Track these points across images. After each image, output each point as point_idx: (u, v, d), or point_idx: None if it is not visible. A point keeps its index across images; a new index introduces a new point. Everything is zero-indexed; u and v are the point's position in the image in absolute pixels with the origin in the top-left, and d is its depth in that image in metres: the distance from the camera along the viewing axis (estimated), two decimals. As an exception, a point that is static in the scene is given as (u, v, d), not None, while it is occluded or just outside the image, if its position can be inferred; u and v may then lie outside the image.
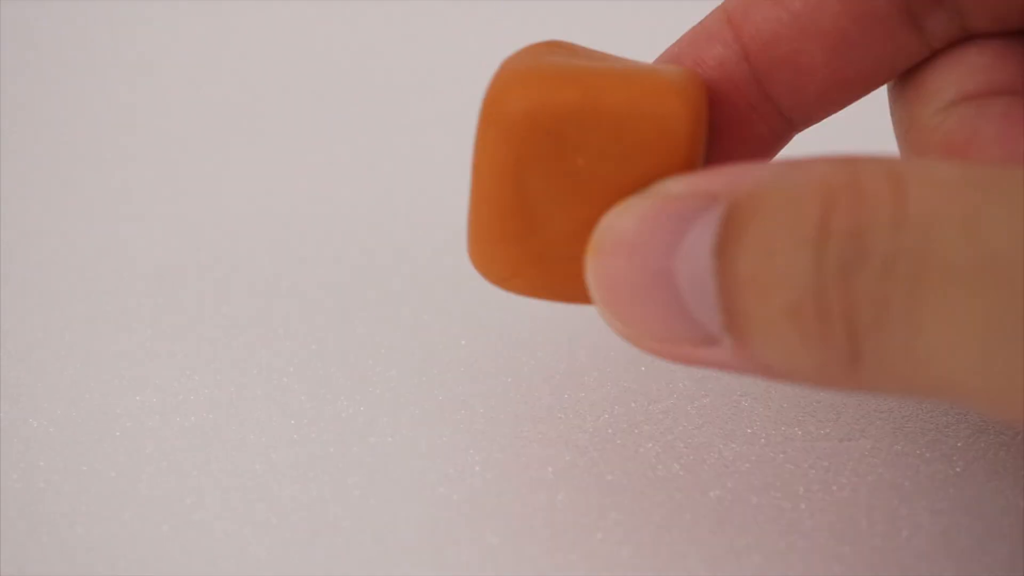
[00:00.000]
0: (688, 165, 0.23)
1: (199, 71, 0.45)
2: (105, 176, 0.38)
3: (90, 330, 0.31)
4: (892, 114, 0.26)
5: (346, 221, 0.36)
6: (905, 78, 0.26)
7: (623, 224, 0.22)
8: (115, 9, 0.47)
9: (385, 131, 0.41)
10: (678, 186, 0.22)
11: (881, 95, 0.27)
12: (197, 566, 0.24)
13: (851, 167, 0.20)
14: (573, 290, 0.24)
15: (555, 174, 0.23)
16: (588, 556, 0.24)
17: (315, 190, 0.37)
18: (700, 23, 0.26)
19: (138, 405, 0.28)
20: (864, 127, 0.34)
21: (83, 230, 0.35)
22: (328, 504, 0.25)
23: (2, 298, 0.32)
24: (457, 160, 0.39)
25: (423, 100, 0.43)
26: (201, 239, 0.35)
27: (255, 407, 0.28)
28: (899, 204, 0.19)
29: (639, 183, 0.23)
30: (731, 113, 0.25)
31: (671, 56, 0.26)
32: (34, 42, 0.46)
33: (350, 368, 0.29)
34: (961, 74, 0.25)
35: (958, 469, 0.26)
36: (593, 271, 0.23)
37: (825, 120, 0.26)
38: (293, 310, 0.31)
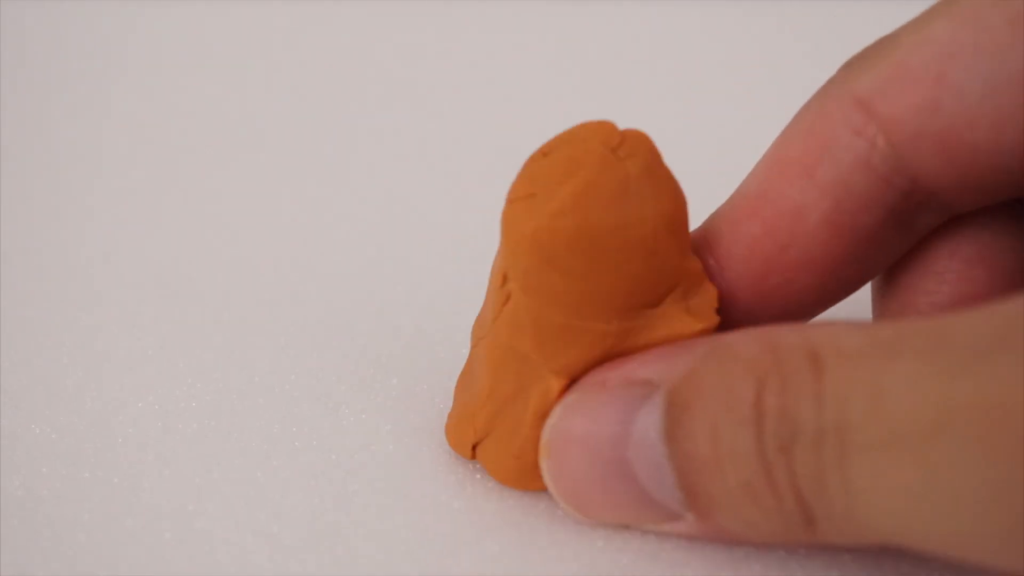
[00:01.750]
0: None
1: (205, 76, 0.45)
2: (107, 183, 0.38)
3: (92, 337, 0.31)
4: (874, 304, 0.27)
5: (348, 229, 0.36)
6: (889, 274, 0.26)
7: (570, 423, 0.23)
8: (119, 12, 0.48)
9: (388, 140, 0.41)
10: (613, 377, 0.23)
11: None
12: (199, 574, 0.24)
13: (774, 346, 0.21)
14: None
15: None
16: (589, 564, 0.24)
17: (317, 198, 0.38)
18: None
19: (140, 412, 0.28)
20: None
21: (85, 237, 0.35)
22: (329, 512, 0.25)
23: (4, 304, 0.32)
24: (460, 169, 0.39)
25: (426, 108, 0.43)
26: (202, 247, 0.35)
27: (257, 415, 0.28)
28: (818, 380, 0.20)
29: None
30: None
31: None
32: (37, 45, 0.46)
33: (351, 376, 0.29)
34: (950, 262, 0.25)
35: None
36: (548, 471, 0.24)
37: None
38: (295, 318, 0.32)
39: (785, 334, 0.21)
